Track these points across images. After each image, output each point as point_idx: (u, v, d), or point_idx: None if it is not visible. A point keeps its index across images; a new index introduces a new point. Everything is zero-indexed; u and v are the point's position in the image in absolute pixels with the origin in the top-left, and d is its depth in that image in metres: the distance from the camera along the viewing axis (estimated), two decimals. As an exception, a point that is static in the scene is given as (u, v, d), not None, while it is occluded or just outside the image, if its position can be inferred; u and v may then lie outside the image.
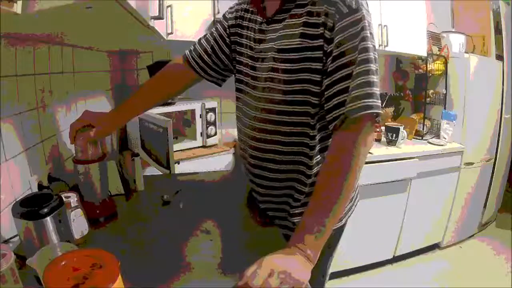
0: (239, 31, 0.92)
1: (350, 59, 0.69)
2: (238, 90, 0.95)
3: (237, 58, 0.94)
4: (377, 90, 0.70)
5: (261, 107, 0.84)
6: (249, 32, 0.88)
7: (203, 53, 0.97)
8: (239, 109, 0.96)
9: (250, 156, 0.92)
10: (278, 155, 0.85)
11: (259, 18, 0.85)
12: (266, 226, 0.86)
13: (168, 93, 1.04)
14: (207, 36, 0.98)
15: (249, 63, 0.88)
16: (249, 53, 0.88)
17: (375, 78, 0.70)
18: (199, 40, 0.99)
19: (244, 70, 0.91)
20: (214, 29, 0.98)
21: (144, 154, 1.61)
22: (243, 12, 0.91)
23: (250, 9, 0.89)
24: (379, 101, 0.70)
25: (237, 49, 0.93)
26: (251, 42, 0.87)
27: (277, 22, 0.79)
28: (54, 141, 1.04)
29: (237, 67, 0.94)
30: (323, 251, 0.68)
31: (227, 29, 0.94)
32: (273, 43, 0.80)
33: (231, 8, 0.96)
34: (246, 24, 0.89)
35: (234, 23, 0.93)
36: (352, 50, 0.69)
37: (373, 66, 0.69)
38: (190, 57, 0.98)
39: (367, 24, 0.69)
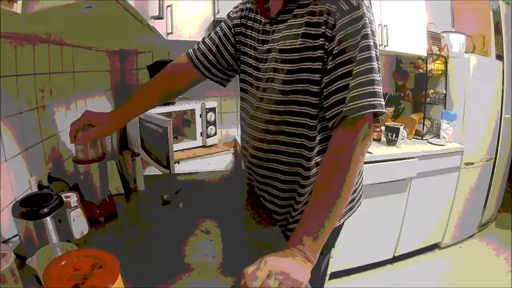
0: (243, 31, 0.92)
1: (350, 56, 0.69)
2: (242, 89, 0.95)
3: (241, 58, 0.94)
4: (379, 89, 0.69)
5: (263, 107, 0.85)
6: (253, 32, 0.88)
7: (208, 52, 0.96)
8: (242, 108, 0.96)
9: (251, 155, 0.92)
10: (279, 155, 0.85)
11: (262, 19, 0.85)
12: (267, 225, 0.86)
13: (170, 93, 1.03)
14: (211, 35, 0.98)
15: (253, 64, 0.88)
16: (252, 53, 0.88)
17: (377, 77, 0.69)
18: (203, 39, 0.99)
19: (248, 70, 0.91)
20: (218, 28, 0.97)
21: (144, 154, 1.61)
22: (247, 11, 0.91)
23: (255, 9, 0.89)
24: (382, 100, 0.70)
25: (242, 49, 0.93)
26: (255, 43, 0.87)
27: (280, 23, 0.79)
28: (54, 141, 1.04)
29: (241, 67, 0.94)
30: (321, 250, 0.68)
31: (232, 29, 0.94)
32: (275, 44, 0.79)
33: (235, 7, 0.96)
34: (251, 24, 0.89)
35: (238, 22, 0.93)
36: (353, 48, 0.68)
37: (375, 65, 0.69)
38: (194, 56, 0.98)
39: (368, 22, 0.69)
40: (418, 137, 2.29)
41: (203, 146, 2.00)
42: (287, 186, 0.87)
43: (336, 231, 0.96)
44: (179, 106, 1.92)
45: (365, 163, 1.74)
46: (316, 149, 0.81)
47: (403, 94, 2.55)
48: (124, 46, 1.74)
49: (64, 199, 0.70)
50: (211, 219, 0.88)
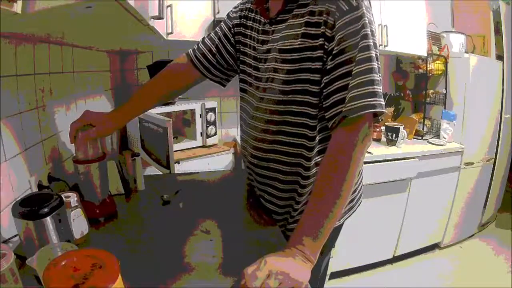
0: (243, 31, 0.92)
1: (350, 56, 0.68)
2: (241, 90, 0.95)
3: (241, 58, 0.94)
4: (379, 89, 0.69)
5: (263, 107, 0.85)
6: (252, 32, 0.88)
7: (207, 52, 0.96)
8: (242, 108, 0.96)
9: (251, 155, 0.92)
10: (279, 155, 0.85)
11: (262, 19, 0.85)
12: (267, 225, 0.86)
13: (170, 92, 1.03)
14: (211, 35, 0.98)
15: (252, 64, 0.88)
16: (252, 53, 0.88)
17: (377, 77, 0.69)
18: (203, 39, 0.99)
19: (248, 70, 0.91)
20: (218, 28, 0.97)
21: (144, 154, 1.61)
22: (247, 11, 0.91)
23: (254, 9, 0.89)
24: (382, 100, 0.70)
25: (241, 49, 0.93)
26: (254, 43, 0.87)
27: (280, 23, 0.79)
28: (54, 141, 1.04)
29: (241, 67, 0.95)
30: (321, 250, 0.68)
31: (232, 29, 0.94)
32: (275, 44, 0.79)
33: (235, 7, 0.96)
34: (250, 24, 0.89)
35: (238, 22, 0.93)
36: (352, 48, 0.68)
37: (375, 65, 0.69)
38: (194, 56, 0.98)
39: (367, 22, 0.69)
40: (418, 137, 2.29)
41: (203, 146, 2.00)
42: (287, 186, 0.87)
43: (336, 231, 0.96)
44: (179, 106, 1.92)
45: (365, 163, 1.74)
46: (316, 149, 0.81)
47: (403, 94, 2.55)
48: (124, 46, 1.74)
49: (64, 199, 0.70)
50: (211, 219, 0.88)
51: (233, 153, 2.03)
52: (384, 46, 2.07)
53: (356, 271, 2.11)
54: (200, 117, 1.95)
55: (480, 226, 2.62)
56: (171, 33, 1.60)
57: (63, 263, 0.48)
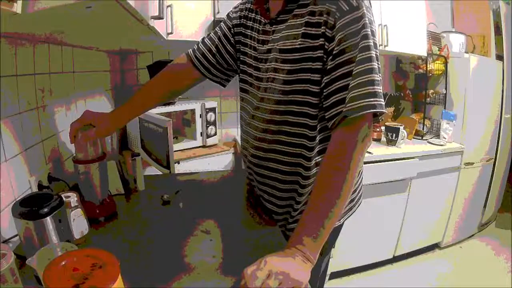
0: (243, 31, 0.92)
1: (350, 57, 0.69)
2: (242, 90, 0.95)
3: (241, 58, 0.94)
4: (379, 89, 0.69)
5: (263, 107, 0.85)
6: (253, 32, 0.88)
7: (207, 52, 0.96)
8: (243, 108, 0.96)
9: (251, 155, 0.92)
10: (279, 155, 0.85)
11: (262, 19, 0.85)
12: (267, 225, 0.86)
13: (170, 93, 1.03)
14: (211, 35, 0.98)
15: (253, 64, 0.88)
16: (252, 53, 0.88)
17: (377, 77, 0.69)
18: (203, 39, 0.99)
19: (248, 70, 0.91)
20: (218, 28, 0.97)
21: (144, 154, 1.61)
22: (247, 11, 0.91)
23: (254, 9, 0.89)
24: (382, 100, 0.70)
25: (241, 49, 0.93)
26: (255, 43, 0.87)
27: (280, 23, 0.79)
28: (54, 141, 1.04)
29: (241, 67, 0.94)
30: (321, 250, 0.68)
31: (231, 29, 0.94)
32: (276, 44, 0.79)
33: (235, 7, 0.96)
34: (250, 24, 0.89)
35: (238, 22, 0.93)
36: (353, 48, 0.68)
37: (375, 65, 0.69)
38: (194, 56, 0.98)
39: (368, 22, 0.69)
40: (418, 137, 2.29)
41: (203, 146, 2.01)
42: (287, 186, 0.87)
43: (336, 231, 0.96)
44: (179, 106, 1.92)
45: (365, 163, 1.74)
46: (316, 149, 0.81)
47: (403, 94, 2.55)
48: (124, 46, 1.74)
49: (64, 199, 0.70)
50: (211, 219, 0.88)
51: (233, 153, 2.03)
52: (384, 46, 2.07)
53: (356, 271, 2.11)
54: (200, 117, 1.95)
55: (480, 226, 2.62)
56: (171, 33, 1.60)
57: (63, 263, 0.48)
